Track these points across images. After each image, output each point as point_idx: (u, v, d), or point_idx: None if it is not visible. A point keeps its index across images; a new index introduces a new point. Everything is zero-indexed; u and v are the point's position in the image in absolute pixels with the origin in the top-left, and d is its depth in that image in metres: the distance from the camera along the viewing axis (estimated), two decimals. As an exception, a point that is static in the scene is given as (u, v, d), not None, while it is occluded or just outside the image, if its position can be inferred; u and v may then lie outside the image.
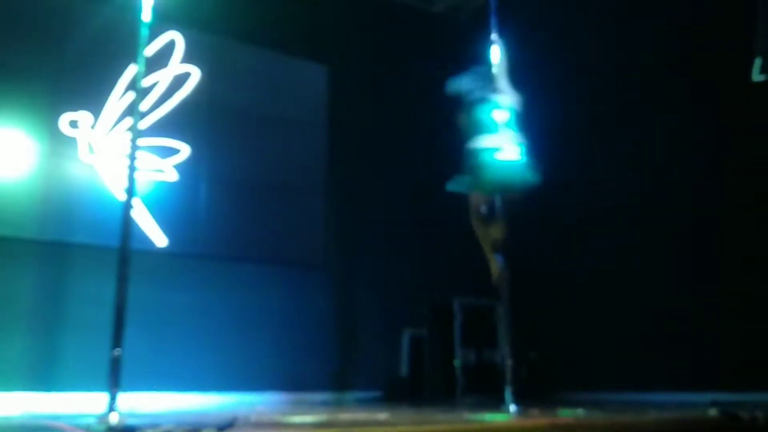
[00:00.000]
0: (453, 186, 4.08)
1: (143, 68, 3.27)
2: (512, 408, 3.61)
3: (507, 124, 3.93)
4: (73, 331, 4.98)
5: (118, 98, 5.49)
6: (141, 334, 4.69)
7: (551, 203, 6.00)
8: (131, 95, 3.62)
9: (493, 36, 4.32)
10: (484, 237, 4.07)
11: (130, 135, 3.26)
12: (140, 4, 3.30)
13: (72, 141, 5.29)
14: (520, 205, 4.01)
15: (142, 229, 5.41)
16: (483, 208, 3.99)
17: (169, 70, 5.77)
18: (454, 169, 6.97)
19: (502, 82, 4.15)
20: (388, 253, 6.67)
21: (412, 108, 7.07)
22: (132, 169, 3.15)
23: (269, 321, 5.87)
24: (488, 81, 4.09)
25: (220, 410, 4.35)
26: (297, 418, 3.04)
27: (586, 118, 6.22)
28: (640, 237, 5.62)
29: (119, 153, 5.42)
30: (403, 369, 6.30)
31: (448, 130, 7.04)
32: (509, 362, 3.80)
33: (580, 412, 3.39)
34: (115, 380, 2.85)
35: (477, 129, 4.02)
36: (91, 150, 5.35)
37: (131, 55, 3.33)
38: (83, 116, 5.36)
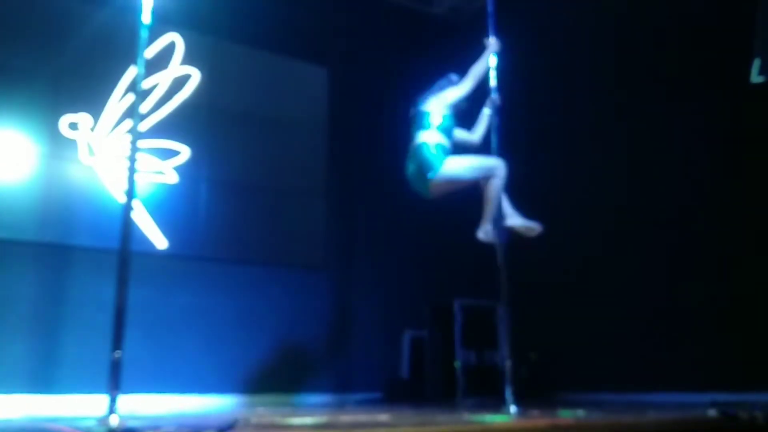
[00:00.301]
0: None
1: (143, 70, 3.27)
2: (512, 409, 3.61)
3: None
4: (73, 333, 4.98)
5: (118, 100, 5.49)
6: (141, 336, 4.72)
7: (551, 204, 6.00)
8: (131, 97, 3.63)
9: (492, 38, 4.32)
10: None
11: (130, 137, 3.26)
12: (140, 6, 3.30)
13: (72, 143, 5.30)
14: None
15: (143, 231, 5.41)
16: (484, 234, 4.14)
17: (169, 72, 5.78)
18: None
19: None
20: (388, 254, 6.68)
21: (412, 109, 7.06)
22: (132, 171, 3.15)
23: (269, 323, 5.87)
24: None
25: (220, 412, 4.35)
26: (297, 420, 3.04)
27: (585, 119, 6.22)
28: (640, 238, 5.62)
29: (119, 155, 5.43)
30: (404, 370, 6.31)
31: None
32: (509, 363, 3.80)
33: (580, 413, 3.39)
34: (115, 382, 2.85)
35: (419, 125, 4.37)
36: (91, 152, 5.36)
37: (131, 57, 3.34)
38: (83, 118, 5.36)
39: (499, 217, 4.15)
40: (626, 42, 5.93)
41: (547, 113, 6.45)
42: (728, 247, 4.98)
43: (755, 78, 3.91)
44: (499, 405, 3.74)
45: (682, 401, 4.56)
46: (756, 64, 3.88)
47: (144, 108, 5.35)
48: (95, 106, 5.42)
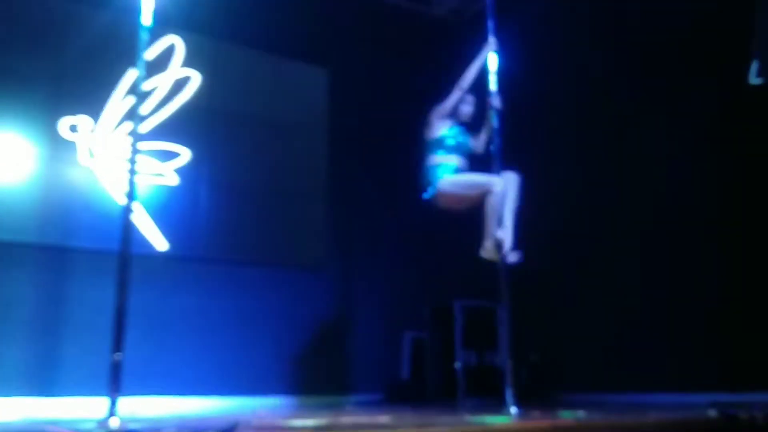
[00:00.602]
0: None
1: (143, 72, 3.28)
2: (513, 410, 3.61)
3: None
4: (73, 336, 4.99)
5: (118, 102, 5.50)
6: (141, 338, 4.72)
7: (551, 205, 6.01)
8: (131, 99, 3.64)
9: (492, 39, 4.32)
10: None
11: (130, 139, 3.27)
12: (140, 8, 3.31)
13: (72, 145, 5.30)
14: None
15: (143, 233, 5.41)
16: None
17: (169, 74, 5.78)
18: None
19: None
20: (388, 255, 6.68)
21: (412, 111, 7.07)
22: (132, 172, 3.16)
23: (270, 324, 5.87)
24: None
25: (221, 414, 4.35)
26: (298, 422, 3.04)
27: (585, 121, 6.23)
28: (640, 239, 5.62)
29: (119, 157, 5.43)
30: (404, 371, 6.31)
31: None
32: (510, 364, 3.80)
33: (580, 413, 3.39)
34: (115, 385, 2.85)
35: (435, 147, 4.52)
36: (91, 154, 5.36)
37: (131, 59, 3.35)
38: (83, 120, 5.37)
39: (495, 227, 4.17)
40: (626, 44, 5.94)
41: (546, 114, 6.45)
42: (728, 248, 4.98)
43: (753, 80, 3.90)
44: (499, 406, 3.74)
45: (682, 402, 4.56)
46: (754, 66, 3.88)
47: (144, 110, 5.35)
48: (95, 108, 5.43)
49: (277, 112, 6.35)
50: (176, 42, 5.83)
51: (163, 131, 5.66)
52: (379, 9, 7.10)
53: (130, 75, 5.39)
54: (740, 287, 4.86)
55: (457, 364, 5.87)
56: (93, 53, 5.44)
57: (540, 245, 5.89)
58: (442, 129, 4.48)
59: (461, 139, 4.54)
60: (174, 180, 5.70)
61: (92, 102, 5.42)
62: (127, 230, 3.13)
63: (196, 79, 5.89)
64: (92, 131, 5.40)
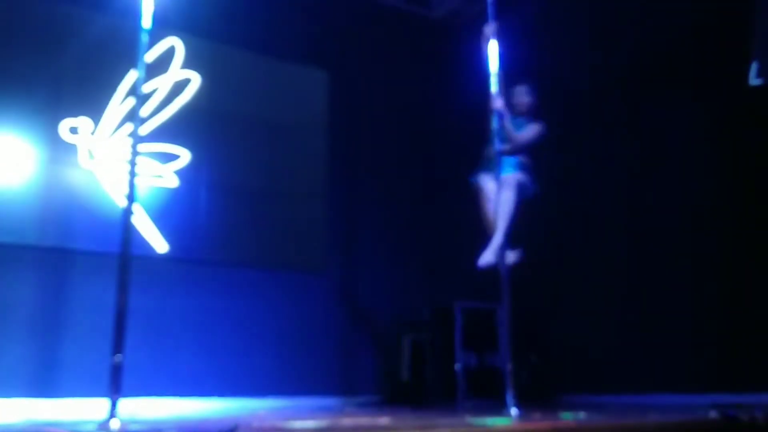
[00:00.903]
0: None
1: (143, 74, 3.28)
2: (514, 412, 3.61)
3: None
4: (73, 337, 4.98)
5: (118, 104, 5.50)
6: (142, 339, 4.72)
7: (551, 206, 6.00)
8: (131, 101, 3.64)
9: (492, 41, 4.31)
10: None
11: (130, 141, 3.27)
12: (140, 10, 3.31)
13: (72, 147, 5.30)
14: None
15: (143, 235, 5.41)
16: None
17: (169, 76, 5.78)
18: (453, 173, 7.00)
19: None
20: (388, 257, 6.68)
21: (412, 113, 7.09)
22: (132, 174, 3.16)
23: (270, 326, 5.87)
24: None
25: (221, 416, 4.35)
26: (298, 424, 3.04)
27: (585, 122, 6.23)
28: (640, 240, 5.63)
29: (119, 159, 5.43)
30: (404, 373, 6.30)
31: (448, 134, 7.09)
32: (510, 365, 3.80)
33: (581, 415, 3.39)
34: (116, 386, 2.85)
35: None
36: (91, 156, 5.36)
37: (131, 61, 3.35)
38: (83, 122, 5.37)
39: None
40: (626, 45, 5.94)
41: (546, 115, 6.44)
42: (729, 248, 4.99)
43: (753, 81, 3.91)
44: (500, 408, 3.75)
45: (683, 403, 4.56)
46: (754, 67, 3.89)
47: (144, 112, 5.35)
48: (95, 110, 5.43)
49: (277, 115, 6.35)
50: (176, 44, 5.84)
51: (163, 133, 5.66)
52: (378, 11, 7.10)
53: (130, 77, 5.40)
54: (741, 288, 4.86)
55: (457, 366, 5.87)
56: (93, 55, 5.44)
57: (540, 246, 5.91)
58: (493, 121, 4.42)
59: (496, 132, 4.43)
60: (174, 182, 5.70)
61: (92, 104, 5.42)
62: (127, 232, 3.13)
63: (195, 82, 5.89)
64: (92, 133, 5.40)
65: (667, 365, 5.20)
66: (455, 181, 6.95)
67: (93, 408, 4.65)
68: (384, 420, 3.25)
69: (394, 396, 6.02)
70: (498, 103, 4.23)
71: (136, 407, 4.71)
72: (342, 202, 6.55)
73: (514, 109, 4.57)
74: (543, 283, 6.06)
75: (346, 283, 6.44)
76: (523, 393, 3.89)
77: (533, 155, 4.62)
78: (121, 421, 2.80)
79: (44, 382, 4.84)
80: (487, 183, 4.34)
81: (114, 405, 2.82)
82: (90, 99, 5.41)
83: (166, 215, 5.59)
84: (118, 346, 2.91)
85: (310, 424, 3.05)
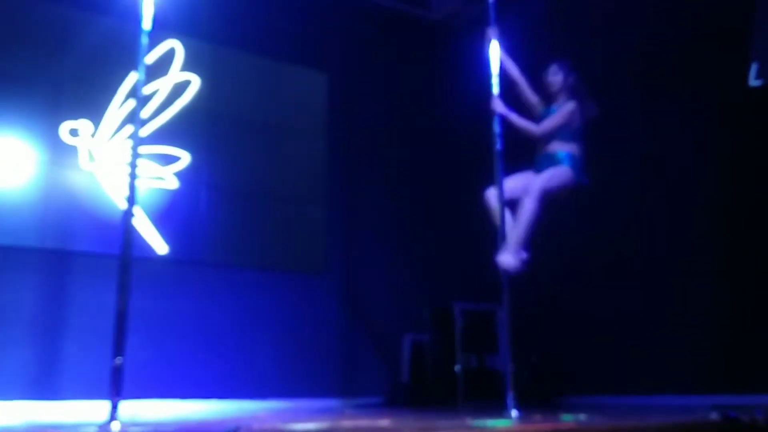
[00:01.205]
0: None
1: (143, 76, 3.28)
2: (514, 413, 3.61)
3: None
4: (74, 339, 4.99)
5: (118, 106, 5.50)
6: (142, 341, 4.72)
7: (551, 207, 6.00)
8: (131, 103, 3.64)
9: (492, 42, 4.31)
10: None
11: (130, 143, 3.27)
12: (140, 12, 3.32)
13: (72, 149, 5.30)
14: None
15: (143, 237, 5.42)
16: None
17: (169, 78, 5.79)
18: (453, 174, 7.01)
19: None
20: (388, 258, 6.68)
21: (412, 115, 7.09)
22: (133, 176, 3.16)
23: (270, 328, 5.87)
24: None
25: (222, 417, 4.35)
26: (299, 426, 3.04)
27: (584, 123, 6.22)
28: (641, 241, 5.63)
29: (120, 161, 5.44)
30: (404, 374, 6.30)
31: (448, 136, 7.09)
32: (510, 367, 3.80)
33: (582, 416, 3.39)
34: (116, 388, 2.85)
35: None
36: (91, 158, 5.37)
37: (131, 64, 3.35)
38: (84, 124, 5.37)
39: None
40: (625, 47, 5.95)
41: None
42: (729, 250, 4.99)
43: (753, 82, 3.92)
44: (500, 409, 3.74)
45: (683, 404, 4.56)
46: (753, 68, 3.89)
47: (144, 114, 5.36)
48: (96, 113, 5.43)
49: (277, 116, 6.35)
50: (176, 46, 5.84)
51: (163, 135, 5.66)
52: (377, 13, 7.10)
53: (130, 79, 5.40)
54: (741, 289, 4.86)
55: (458, 367, 5.87)
56: (93, 58, 5.45)
57: (540, 247, 5.90)
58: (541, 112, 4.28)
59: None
60: (174, 184, 5.70)
61: (93, 106, 5.42)
62: (128, 234, 3.13)
63: (195, 84, 5.90)
64: (93, 135, 5.40)
65: (667, 367, 5.20)
66: (455, 182, 6.98)
67: (94, 410, 4.65)
68: (384, 422, 3.25)
69: (395, 397, 6.02)
70: (498, 106, 4.21)
71: (137, 409, 4.71)
72: (342, 203, 6.55)
73: (546, 92, 4.35)
74: (543, 284, 6.06)
75: (346, 284, 6.44)
76: (523, 394, 3.88)
77: (586, 141, 4.33)
78: (121, 423, 2.80)
79: (45, 384, 4.84)
80: (492, 198, 4.20)
81: (115, 407, 2.82)
82: (90, 101, 5.42)
83: (166, 217, 5.59)
84: (118, 348, 2.90)
85: (310, 425, 3.05)
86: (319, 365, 6.04)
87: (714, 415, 2.90)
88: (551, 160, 4.21)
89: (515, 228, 4.05)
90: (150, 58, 4.70)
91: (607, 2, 6.09)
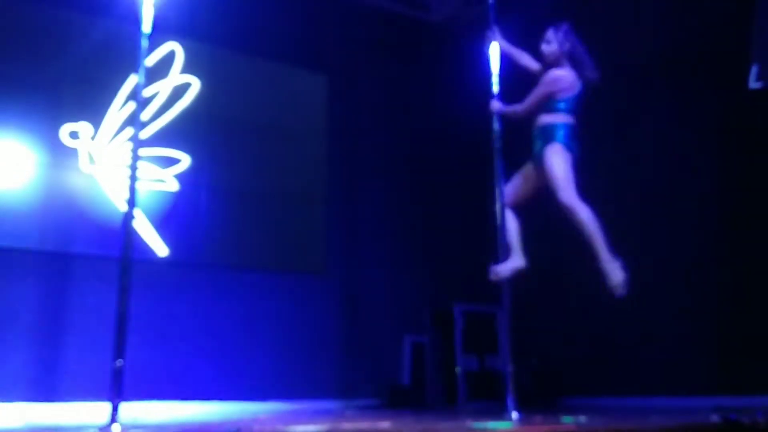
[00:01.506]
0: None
1: (143, 79, 3.29)
2: (515, 415, 3.61)
3: None
4: (75, 341, 4.98)
5: (118, 109, 5.50)
6: (143, 343, 4.71)
7: (551, 208, 6.00)
8: (132, 105, 3.64)
9: (492, 44, 4.31)
10: None
11: (130, 145, 3.27)
12: (140, 15, 3.32)
13: (73, 152, 5.30)
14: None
15: (143, 239, 5.42)
16: None
17: (169, 80, 5.79)
18: (453, 175, 7.01)
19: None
20: (388, 259, 6.68)
21: (412, 116, 7.09)
22: (133, 179, 3.16)
23: (271, 329, 5.87)
24: None
25: (223, 419, 4.35)
26: (300, 428, 3.04)
27: (585, 125, 6.22)
28: (641, 242, 5.62)
29: (120, 163, 5.44)
30: (405, 376, 6.30)
31: (448, 137, 7.10)
32: (511, 368, 3.80)
33: (582, 418, 3.39)
34: (117, 391, 2.85)
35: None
36: (91, 160, 5.37)
37: (131, 66, 3.36)
38: (84, 127, 5.37)
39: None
40: (626, 49, 5.95)
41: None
42: (730, 251, 4.99)
43: (753, 84, 3.91)
44: (500, 411, 3.74)
45: (684, 406, 4.56)
46: (753, 70, 3.89)
47: (144, 116, 5.36)
48: (96, 115, 5.43)
49: (277, 118, 6.35)
50: (176, 49, 5.84)
51: (164, 137, 5.66)
52: (377, 15, 7.11)
53: (131, 81, 5.40)
54: (742, 290, 4.86)
55: (458, 369, 5.87)
56: (93, 60, 5.45)
57: (541, 248, 5.90)
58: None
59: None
60: (174, 186, 5.70)
61: (93, 109, 5.42)
62: (128, 236, 3.13)
63: (195, 86, 5.90)
64: (93, 138, 5.40)
65: (668, 368, 5.20)
66: (455, 183, 6.98)
67: (94, 412, 4.65)
68: (385, 424, 3.25)
69: (395, 399, 6.02)
70: (495, 106, 4.20)
71: (138, 411, 4.71)
72: (342, 204, 6.55)
73: (545, 63, 4.13)
74: (544, 285, 6.05)
75: (346, 286, 6.43)
76: (524, 396, 3.88)
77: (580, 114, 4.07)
78: (122, 425, 2.80)
79: (46, 386, 4.84)
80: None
81: (115, 409, 2.82)
82: (90, 103, 5.42)
83: (166, 219, 5.59)
84: (119, 349, 2.91)
85: (311, 427, 3.05)
86: (320, 367, 6.04)
87: (715, 417, 2.90)
88: (540, 136, 3.97)
89: (592, 244, 3.86)
90: (150, 61, 4.70)
91: (608, 5, 6.09)
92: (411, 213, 6.90)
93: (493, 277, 3.94)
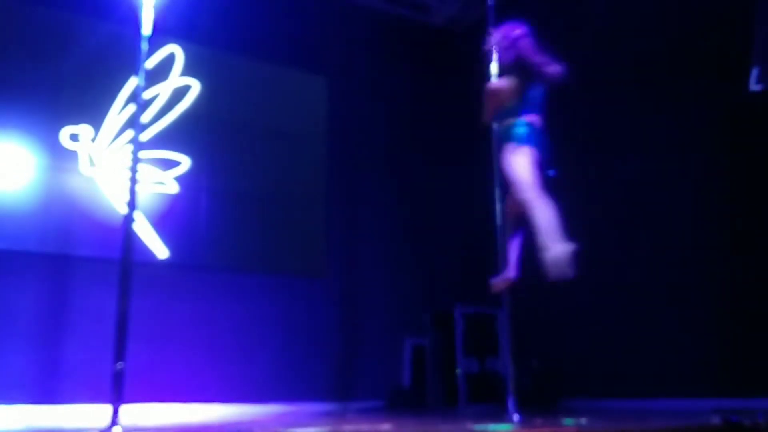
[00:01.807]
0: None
1: (143, 81, 3.29)
2: (515, 417, 3.61)
3: None
4: (75, 343, 4.98)
5: (118, 111, 5.51)
6: (143, 345, 4.71)
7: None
8: (132, 108, 3.64)
9: (493, 47, 4.31)
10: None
11: (130, 147, 3.27)
12: (140, 18, 3.33)
13: (73, 154, 5.31)
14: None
15: (144, 241, 5.42)
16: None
17: (170, 83, 5.79)
18: (453, 177, 7.01)
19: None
20: (388, 261, 6.68)
21: (411, 119, 7.10)
22: (133, 181, 3.16)
23: (271, 331, 5.87)
24: None
25: (223, 421, 4.35)
26: (300, 430, 3.04)
27: (585, 127, 6.23)
28: (641, 244, 5.62)
29: (120, 166, 5.44)
30: (405, 378, 6.30)
31: (448, 139, 7.10)
32: (512, 370, 3.80)
33: (583, 420, 3.39)
34: (118, 393, 2.85)
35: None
36: (92, 163, 5.37)
37: (131, 68, 3.36)
38: (84, 129, 5.38)
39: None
40: (626, 51, 5.95)
41: (547, 120, 6.45)
42: (731, 253, 4.98)
43: (753, 86, 3.91)
44: (501, 413, 3.74)
45: (685, 408, 4.56)
46: (754, 72, 3.89)
47: (144, 119, 5.36)
48: (96, 117, 5.44)
49: (277, 121, 6.36)
50: (176, 51, 5.85)
51: (164, 140, 5.67)
52: (377, 18, 7.12)
53: (131, 84, 5.41)
54: (743, 292, 4.86)
55: (459, 371, 5.87)
56: (93, 63, 5.46)
57: (540, 250, 5.90)
58: None
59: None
60: (174, 188, 5.71)
61: (93, 111, 5.43)
62: (128, 238, 3.13)
63: (195, 88, 5.90)
64: (93, 140, 5.41)
65: (669, 370, 5.19)
66: (455, 185, 6.98)
67: (95, 414, 4.65)
68: (385, 426, 3.25)
69: (396, 401, 6.02)
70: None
71: (138, 413, 4.71)
72: (342, 206, 6.55)
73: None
74: (544, 287, 6.04)
75: (346, 288, 6.44)
76: (524, 398, 3.88)
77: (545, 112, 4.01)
78: (123, 427, 2.80)
79: (46, 389, 4.84)
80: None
81: (116, 411, 2.82)
82: (90, 106, 5.43)
83: (166, 221, 5.59)
84: (119, 352, 2.91)
85: (311, 430, 3.05)
86: (320, 369, 6.04)
87: (716, 419, 2.90)
88: (500, 140, 3.97)
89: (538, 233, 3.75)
90: (150, 63, 4.71)
91: (607, 6, 6.09)
92: (411, 214, 6.90)
93: (493, 289, 3.96)
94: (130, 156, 3.23)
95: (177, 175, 5.73)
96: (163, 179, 5.67)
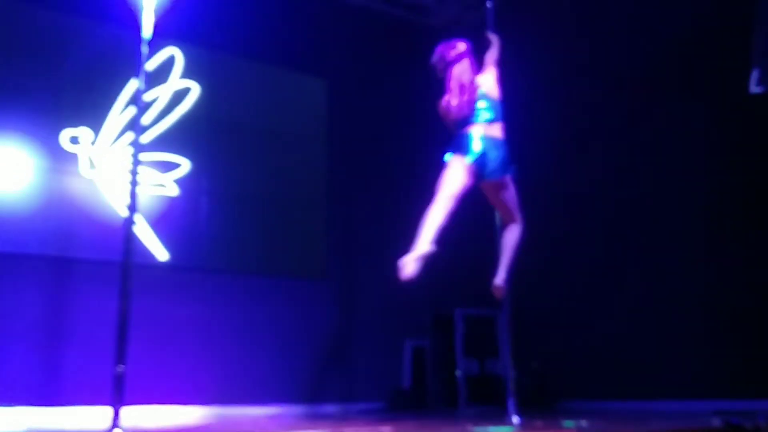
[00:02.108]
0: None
1: (143, 84, 3.29)
2: (515, 419, 3.61)
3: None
4: (75, 346, 4.98)
5: (118, 114, 5.51)
6: (143, 347, 4.71)
7: (551, 210, 6.01)
8: (132, 110, 3.65)
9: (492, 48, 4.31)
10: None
11: (131, 150, 3.28)
12: (140, 20, 3.33)
13: (73, 156, 5.31)
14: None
15: (144, 244, 5.42)
16: None
17: (169, 85, 5.80)
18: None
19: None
20: (389, 263, 6.65)
21: (411, 120, 7.09)
22: (133, 183, 3.17)
23: (271, 333, 5.86)
24: None
25: (223, 423, 4.35)
26: (300, 431, 3.04)
27: (585, 131, 6.24)
28: (642, 246, 5.63)
29: (120, 168, 5.44)
30: (406, 380, 6.30)
31: (447, 141, 7.09)
32: (512, 372, 3.80)
33: (583, 422, 3.39)
34: (118, 396, 2.85)
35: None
36: (92, 165, 5.37)
37: (131, 71, 3.37)
38: (84, 132, 5.38)
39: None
40: (626, 54, 5.95)
41: (547, 124, 6.46)
42: (731, 255, 4.98)
43: (753, 88, 3.91)
44: (501, 415, 3.74)
45: (686, 410, 4.56)
46: (754, 75, 3.89)
47: (144, 121, 5.36)
48: (96, 120, 5.44)
49: (277, 123, 6.36)
50: (176, 54, 5.85)
51: (164, 142, 5.67)
52: (377, 19, 7.12)
53: (131, 86, 5.41)
54: (743, 293, 4.86)
55: (459, 373, 5.87)
56: (94, 65, 5.46)
57: (541, 253, 5.91)
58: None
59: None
60: (174, 190, 5.71)
61: (93, 114, 5.43)
62: (129, 241, 3.14)
63: (195, 91, 5.91)
64: (93, 143, 5.41)
65: (669, 372, 5.19)
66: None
67: (95, 416, 4.65)
68: (385, 428, 3.25)
69: (396, 403, 6.02)
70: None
71: (139, 415, 4.71)
72: (342, 208, 6.55)
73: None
74: (544, 289, 6.05)
75: (346, 289, 6.43)
76: (524, 400, 3.88)
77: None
78: (123, 429, 2.80)
79: (47, 391, 4.83)
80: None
81: (116, 413, 2.82)
82: (91, 108, 5.43)
83: (166, 224, 5.59)
84: (120, 354, 2.91)
85: (312, 431, 3.05)
86: (321, 371, 6.04)
87: (716, 421, 2.90)
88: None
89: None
90: (150, 66, 4.72)
91: (607, 8, 6.10)
92: (411, 216, 6.88)
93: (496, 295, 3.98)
94: (130, 158, 3.23)
95: (177, 177, 5.73)
96: (163, 181, 5.67)
